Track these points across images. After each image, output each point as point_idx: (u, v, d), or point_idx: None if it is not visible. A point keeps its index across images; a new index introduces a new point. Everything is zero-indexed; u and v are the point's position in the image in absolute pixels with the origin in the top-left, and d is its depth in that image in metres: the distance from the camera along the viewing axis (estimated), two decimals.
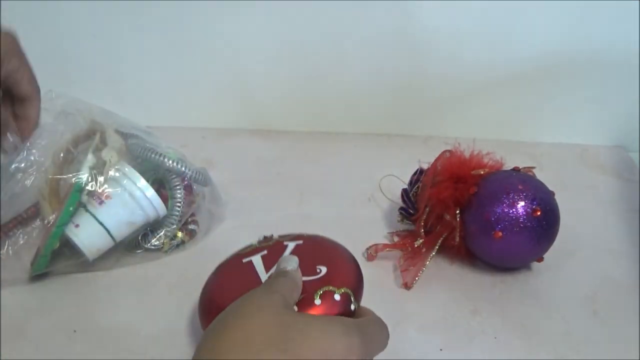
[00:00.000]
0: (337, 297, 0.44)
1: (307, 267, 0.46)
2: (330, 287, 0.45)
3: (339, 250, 0.51)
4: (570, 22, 0.73)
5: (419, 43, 0.76)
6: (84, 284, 0.58)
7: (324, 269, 0.47)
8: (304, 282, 0.45)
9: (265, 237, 0.54)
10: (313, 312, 0.43)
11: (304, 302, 0.43)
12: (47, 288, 0.58)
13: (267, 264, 0.49)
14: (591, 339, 0.52)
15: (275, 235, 0.53)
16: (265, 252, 0.51)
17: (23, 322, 0.54)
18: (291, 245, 0.51)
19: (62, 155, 0.60)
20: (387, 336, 0.40)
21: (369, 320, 0.40)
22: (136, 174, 0.58)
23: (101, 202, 0.57)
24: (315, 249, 0.50)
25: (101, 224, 0.57)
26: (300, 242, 0.51)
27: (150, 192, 0.58)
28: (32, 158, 0.58)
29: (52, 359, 0.50)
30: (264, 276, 0.48)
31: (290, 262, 0.42)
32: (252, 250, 0.52)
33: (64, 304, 0.56)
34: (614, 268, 0.60)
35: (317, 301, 0.44)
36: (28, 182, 0.58)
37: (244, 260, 0.51)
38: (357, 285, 0.47)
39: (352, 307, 0.45)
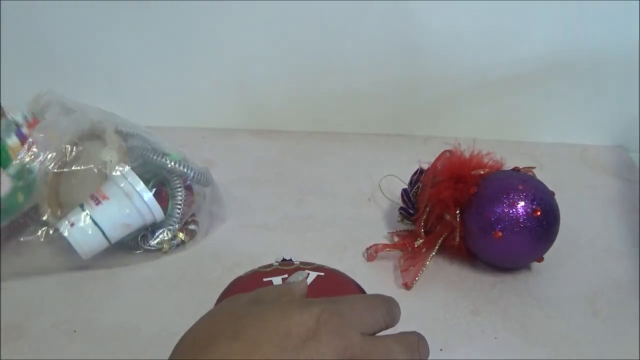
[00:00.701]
0: None
1: None
2: None
3: (359, 290, 0.51)
4: (570, 22, 0.73)
5: (419, 43, 0.76)
6: (84, 283, 0.58)
7: None
8: None
9: (284, 260, 0.54)
10: None
11: None
12: (47, 288, 0.58)
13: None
14: (591, 339, 0.52)
15: (296, 260, 0.54)
16: (286, 275, 0.51)
17: (23, 322, 0.54)
18: (312, 275, 0.51)
19: (68, 148, 0.60)
20: (386, 308, 0.37)
21: (349, 296, 0.38)
22: (136, 177, 0.58)
23: (98, 202, 0.57)
24: (336, 285, 0.51)
25: (96, 224, 0.57)
26: (322, 274, 0.52)
27: (148, 196, 0.58)
28: (35, 150, 0.59)
29: (52, 359, 0.50)
30: None
31: (295, 276, 0.43)
32: (273, 270, 0.52)
33: (64, 304, 0.56)
34: (614, 268, 0.60)
35: None
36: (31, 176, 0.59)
37: (265, 279, 0.51)
38: None
39: None
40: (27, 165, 0.58)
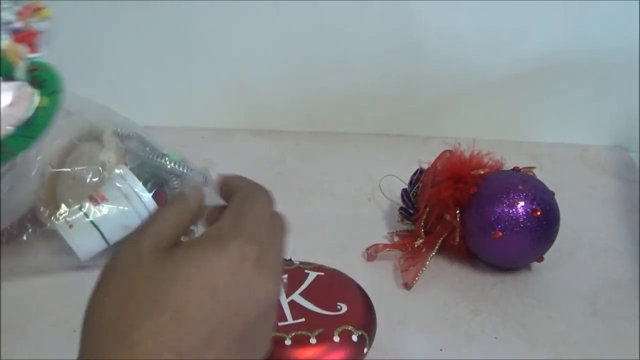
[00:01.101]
0: (354, 337, 0.45)
1: (328, 301, 0.48)
2: (350, 327, 0.46)
3: (359, 290, 0.51)
4: (570, 22, 0.73)
5: (419, 43, 0.76)
6: (84, 284, 0.58)
7: (344, 307, 0.48)
8: (324, 316, 0.46)
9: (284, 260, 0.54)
10: (331, 349, 0.45)
11: (323, 337, 0.45)
12: (47, 288, 0.58)
13: (287, 288, 0.50)
14: (591, 339, 0.52)
15: (296, 260, 0.54)
16: (286, 275, 0.51)
17: (23, 322, 0.54)
18: (312, 275, 0.51)
19: (65, 149, 0.60)
20: (265, 191, 0.34)
21: (246, 205, 0.33)
22: (135, 179, 0.58)
23: (97, 204, 0.57)
24: (336, 284, 0.51)
25: (95, 226, 0.56)
26: (322, 273, 0.52)
27: (147, 198, 0.58)
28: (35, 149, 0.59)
29: (52, 359, 0.50)
30: (283, 300, 0.48)
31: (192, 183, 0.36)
32: None
33: (64, 304, 0.56)
34: (614, 268, 0.60)
35: (336, 338, 0.45)
36: (31, 174, 0.58)
37: None
38: (372, 328, 0.48)
39: (365, 349, 0.46)
40: (38, 59, 0.49)
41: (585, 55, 0.75)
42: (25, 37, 0.49)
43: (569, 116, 0.81)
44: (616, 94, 0.78)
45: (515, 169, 0.60)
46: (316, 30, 0.77)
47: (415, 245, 0.60)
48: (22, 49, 0.49)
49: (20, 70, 0.48)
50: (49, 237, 0.62)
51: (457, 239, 0.58)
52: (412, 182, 0.64)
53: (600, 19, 0.72)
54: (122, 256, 0.31)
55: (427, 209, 0.60)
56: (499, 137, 0.79)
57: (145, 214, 0.59)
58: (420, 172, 0.63)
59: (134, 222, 0.59)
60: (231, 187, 0.35)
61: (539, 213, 0.55)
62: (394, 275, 0.59)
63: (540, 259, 0.58)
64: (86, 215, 0.56)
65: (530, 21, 0.73)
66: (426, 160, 0.63)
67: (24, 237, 0.62)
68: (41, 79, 0.48)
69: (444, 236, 0.59)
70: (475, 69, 0.78)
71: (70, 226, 0.56)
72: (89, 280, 0.61)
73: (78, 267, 0.59)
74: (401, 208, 0.64)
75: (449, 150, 0.61)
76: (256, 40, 0.78)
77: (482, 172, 0.58)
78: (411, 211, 0.63)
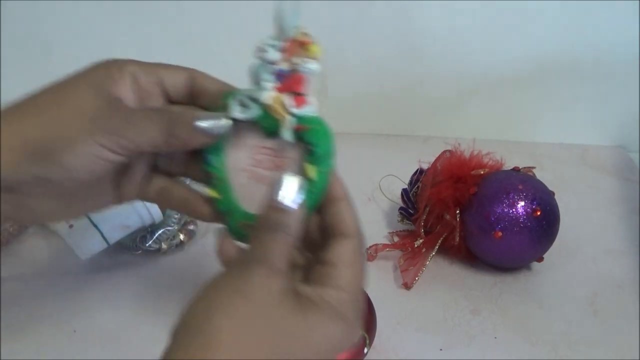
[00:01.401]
0: None
1: None
2: None
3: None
4: (569, 22, 0.73)
5: (419, 43, 0.76)
6: (84, 284, 0.58)
7: None
8: None
9: None
10: None
11: None
12: (47, 288, 0.58)
13: None
14: (591, 339, 0.52)
15: None
16: None
17: (23, 322, 0.54)
18: None
19: None
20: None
21: (354, 290, 0.35)
22: None
23: None
24: None
25: (95, 226, 0.56)
26: None
27: None
28: None
29: (52, 359, 0.50)
30: None
31: (290, 191, 0.32)
32: None
33: (64, 304, 0.56)
34: (614, 268, 0.60)
35: None
36: None
37: None
38: (372, 328, 0.48)
39: (365, 349, 0.46)
40: (308, 115, 0.37)
41: (585, 55, 0.75)
42: (292, 83, 0.37)
43: (569, 116, 0.81)
44: (616, 94, 0.78)
45: (515, 169, 0.60)
46: (316, 31, 0.76)
47: (415, 245, 0.60)
48: (288, 100, 0.37)
49: (286, 128, 0.36)
50: (49, 237, 0.62)
51: (457, 239, 0.58)
52: (412, 182, 0.64)
53: (600, 19, 0.72)
54: (255, 286, 0.31)
55: (427, 209, 0.60)
56: (499, 137, 0.79)
57: (145, 214, 0.59)
58: (420, 172, 0.63)
59: (134, 222, 0.59)
60: (340, 215, 0.36)
61: (539, 213, 0.55)
62: (394, 275, 0.59)
63: (540, 259, 0.58)
64: (87, 215, 0.57)
65: (530, 21, 0.73)
66: (426, 160, 0.63)
67: (24, 237, 0.62)
68: (310, 142, 0.37)
69: (444, 236, 0.59)
70: (475, 69, 0.77)
71: (70, 226, 0.56)
72: (89, 280, 0.62)
73: (78, 267, 0.59)
74: (401, 208, 0.64)
75: (449, 150, 0.61)
76: (256, 40, 0.78)
77: (482, 172, 0.58)
78: (411, 211, 0.63)
